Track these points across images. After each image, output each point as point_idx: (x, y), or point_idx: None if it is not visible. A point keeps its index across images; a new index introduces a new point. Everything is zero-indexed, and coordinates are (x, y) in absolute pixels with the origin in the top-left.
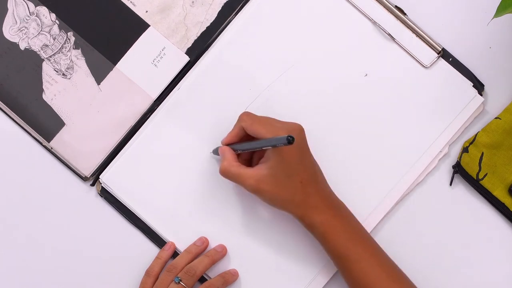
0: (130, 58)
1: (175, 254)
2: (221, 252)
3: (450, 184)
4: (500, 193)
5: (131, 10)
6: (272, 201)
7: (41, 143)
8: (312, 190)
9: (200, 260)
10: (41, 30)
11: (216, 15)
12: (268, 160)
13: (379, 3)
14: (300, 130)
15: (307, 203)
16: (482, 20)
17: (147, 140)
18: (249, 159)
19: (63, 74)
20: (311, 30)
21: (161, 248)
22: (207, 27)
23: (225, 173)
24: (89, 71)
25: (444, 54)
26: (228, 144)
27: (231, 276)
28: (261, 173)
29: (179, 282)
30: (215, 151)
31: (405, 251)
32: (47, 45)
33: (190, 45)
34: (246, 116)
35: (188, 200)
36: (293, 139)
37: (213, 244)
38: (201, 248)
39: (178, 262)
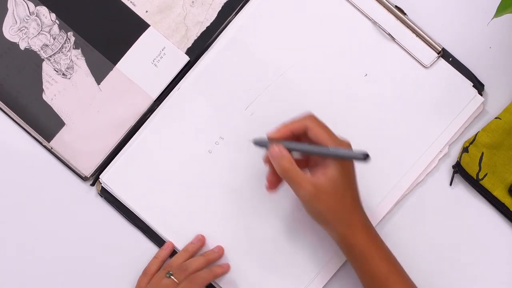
0: (130, 58)
1: (174, 253)
2: (218, 253)
3: (450, 184)
4: (500, 193)
5: (131, 10)
6: (323, 213)
7: (41, 143)
8: (357, 209)
9: (195, 259)
10: (41, 30)
11: (216, 15)
12: (328, 169)
13: (379, 3)
14: (350, 146)
15: (352, 221)
16: (482, 20)
17: (147, 140)
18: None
19: (63, 74)
20: (311, 30)
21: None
22: (207, 27)
23: (286, 173)
24: (89, 71)
25: (444, 54)
26: (277, 139)
27: (220, 269)
28: (320, 182)
29: (170, 277)
30: (259, 142)
31: (405, 251)
32: (47, 45)
33: (190, 45)
34: (313, 116)
35: (187, 200)
36: (369, 157)
37: (212, 243)
38: (197, 246)
39: (175, 261)
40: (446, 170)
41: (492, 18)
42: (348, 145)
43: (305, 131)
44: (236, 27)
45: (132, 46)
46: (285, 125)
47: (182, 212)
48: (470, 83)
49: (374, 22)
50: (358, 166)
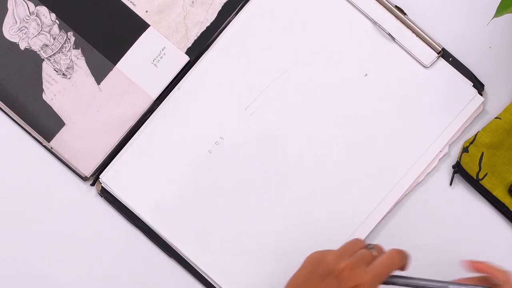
0: (130, 58)
1: (180, 258)
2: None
3: (450, 184)
4: (500, 193)
5: (131, 10)
6: None
7: (41, 143)
8: None
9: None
10: (41, 30)
11: (216, 15)
12: None
13: (379, 3)
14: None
15: None
16: (482, 20)
17: (147, 140)
18: None
19: (63, 74)
20: (311, 30)
21: (161, 248)
22: (207, 27)
23: None
24: (89, 71)
25: (444, 54)
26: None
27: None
28: None
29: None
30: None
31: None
32: (47, 45)
33: (190, 45)
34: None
35: (187, 200)
36: None
37: (211, 242)
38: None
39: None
40: (446, 170)
41: (492, 18)
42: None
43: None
44: (236, 27)
45: (132, 46)
46: (487, 266)
47: (182, 212)
48: (470, 83)
49: (374, 22)
50: (357, 165)
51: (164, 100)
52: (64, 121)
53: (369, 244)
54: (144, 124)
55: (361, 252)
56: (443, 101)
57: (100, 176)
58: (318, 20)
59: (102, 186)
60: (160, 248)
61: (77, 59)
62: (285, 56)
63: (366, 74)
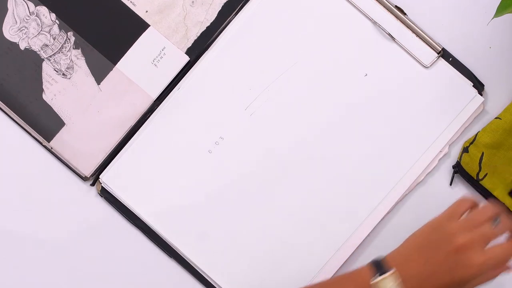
0: (130, 58)
1: (180, 258)
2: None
3: (450, 184)
4: (500, 193)
5: (131, 10)
6: None
7: (41, 143)
8: None
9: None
10: (41, 30)
11: (216, 15)
12: None
13: (379, 3)
14: None
15: None
16: (482, 20)
17: (147, 140)
18: None
19: (63, 74)
20: (311, 30)
21: (161, 248)
22: (207, 27)
23: None
24: (89, 71)
25: (444, 54)
26: None
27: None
28: None
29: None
30: None
31: None
32: (47, 45)
33: (190, 45)
34: None
35: (187, 200)
36: None
37: (212, 242)
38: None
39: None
40: (446, 170)
41: (492, 18)
42: None
43: None
44: (236, 27)
45: (132, 46)
46: None
47: (182, 212)
48: (470, 83)
49: (374, 22)
50: (357, 165)
51: (164, 100)
52: (64, 121)
53: (496, 219)
54: (144, 124)
55: (485, 231)
56: (443, 101)
57: (100, 176)
58: (318, 20)
59: (102, 186)
60: (160, 248)
61: (77, 59)
62: (285, 56)
63: (366, 74)
